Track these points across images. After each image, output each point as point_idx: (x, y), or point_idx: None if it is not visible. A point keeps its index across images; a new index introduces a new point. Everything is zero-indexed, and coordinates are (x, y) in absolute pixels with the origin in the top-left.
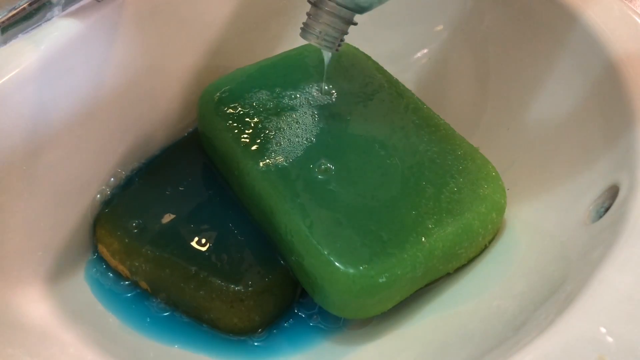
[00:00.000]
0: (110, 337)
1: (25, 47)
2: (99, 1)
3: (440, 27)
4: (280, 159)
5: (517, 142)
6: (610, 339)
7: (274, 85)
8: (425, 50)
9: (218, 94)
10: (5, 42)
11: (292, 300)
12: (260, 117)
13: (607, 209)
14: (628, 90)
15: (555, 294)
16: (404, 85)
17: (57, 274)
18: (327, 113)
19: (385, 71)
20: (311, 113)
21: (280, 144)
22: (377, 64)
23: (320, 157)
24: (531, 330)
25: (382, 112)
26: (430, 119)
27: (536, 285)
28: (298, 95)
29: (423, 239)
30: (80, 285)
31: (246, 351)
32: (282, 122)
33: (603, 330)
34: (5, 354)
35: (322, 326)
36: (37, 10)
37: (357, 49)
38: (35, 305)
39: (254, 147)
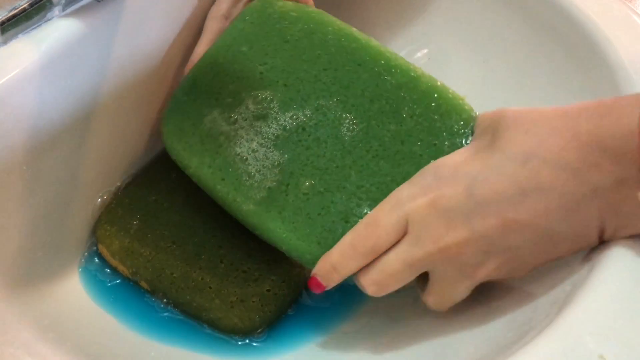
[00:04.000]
0: (110, 337)
1: (26, 47)
2: (99, 1)
3: (440, 28)
4: (261, 180)
5: None
6: (610, 339)
7: (226, 93)
8: (425, 50)
9: (173, 126)
10: (5, 42)
11: (292, 300)
12: (227, 138)
13: None
14: (628, 91)
15: (555, 294)
16: (366, 36)
17: (57, 273)
18: (297, 107)
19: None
20: (277, 114)
21: (257, 162)
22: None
23: (302, 165)
24: (531, 330)
25: (357, 93)
26: (404, 76)
27: (536, 285)
28: (256, 96)
29: None
30: (80, 285)
31: (246, 351)
32: (252, 136)
33: (603, 330)
34: (6, 354)
35: (321, 326)
36: (38, 10)
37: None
38: (35, 305)
39: (231, 180)
